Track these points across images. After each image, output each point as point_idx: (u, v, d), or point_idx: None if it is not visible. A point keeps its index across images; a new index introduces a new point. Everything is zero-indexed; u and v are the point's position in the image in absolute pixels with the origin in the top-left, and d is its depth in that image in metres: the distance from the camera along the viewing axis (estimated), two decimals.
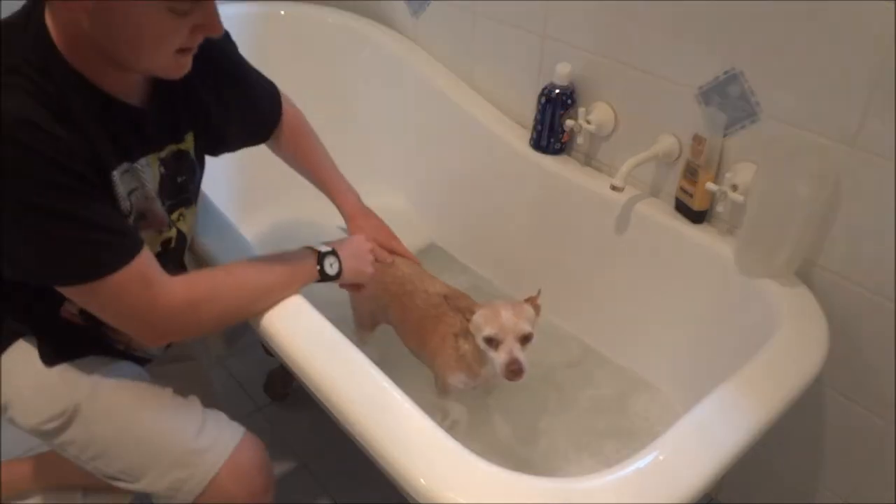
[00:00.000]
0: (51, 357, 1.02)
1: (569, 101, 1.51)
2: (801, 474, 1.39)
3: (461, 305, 1.19)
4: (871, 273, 1.16)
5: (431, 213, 1.90)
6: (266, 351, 1.21)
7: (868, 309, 1.17)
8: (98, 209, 0.87)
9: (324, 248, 1.13)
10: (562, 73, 1.47)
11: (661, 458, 0.88)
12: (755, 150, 1.25)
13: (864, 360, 1.21)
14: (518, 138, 1.62)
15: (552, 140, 1.56)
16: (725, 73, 1.24)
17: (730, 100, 1.25)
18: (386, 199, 1.79)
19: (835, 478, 1.34)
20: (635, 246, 1.44)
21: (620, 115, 1.46)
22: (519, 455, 1.34)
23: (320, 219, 1.48)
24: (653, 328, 1.46)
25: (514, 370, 1.08)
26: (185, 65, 0.91)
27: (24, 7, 0.88)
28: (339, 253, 1.14)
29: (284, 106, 1.30)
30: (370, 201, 1.40)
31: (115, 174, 0.91)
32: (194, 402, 1.09)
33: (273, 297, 1.05)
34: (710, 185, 1.28)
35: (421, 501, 0.83)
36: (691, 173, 1.32)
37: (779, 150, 1.16)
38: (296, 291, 1.08)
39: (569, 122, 1.49)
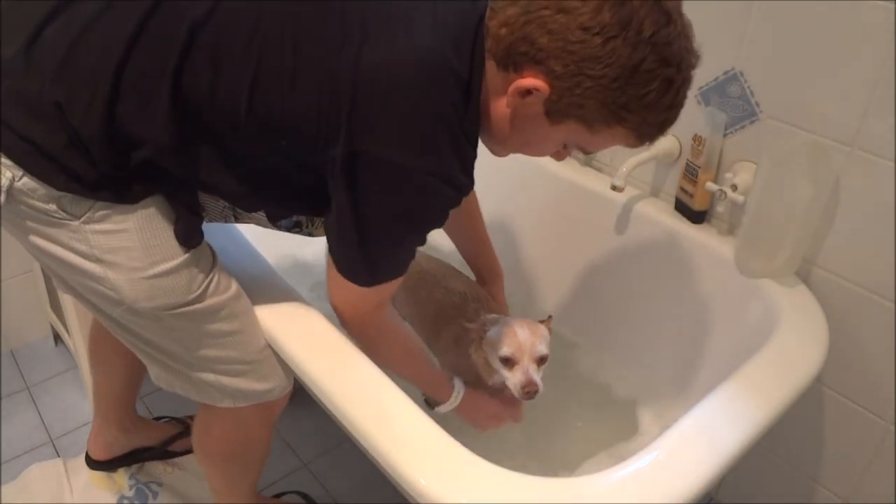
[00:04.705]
0: (189, 238, 0.98)
1: None
2: (801, 474, 1.38)
3: (480, 318, 1.20)
4: (871, 273, 1.16)
5: None
6: None
7: (868, 309, 1.17)
8: None
9: (457, 396, 1.17)
10: None
11: (661, 458, 0.88)
12: (755, 150, 1.25)
13: (864, 360, 1.21)
14: None
15: None
16: (725, 73, 1.24)
17: (730, 100, 1.25)
18: None
19: (835, 478, 1.34)
20: (635, 246, 1.44)
21: None
22: (516, 456, 1.34)
23: None
24: (652, 328, 1.46)
25: (529, 392, 1.08)
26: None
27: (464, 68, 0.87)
28: (462, 406, 1.18)
29: None
30: None
31: None
32: None
33: (406, 379, 1.14)
34: (710, 185, 1.28)
35: (421, 501, 0.83)
36: (691, 173, 1.32)
37: (779, 150, 1.16)
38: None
39: None
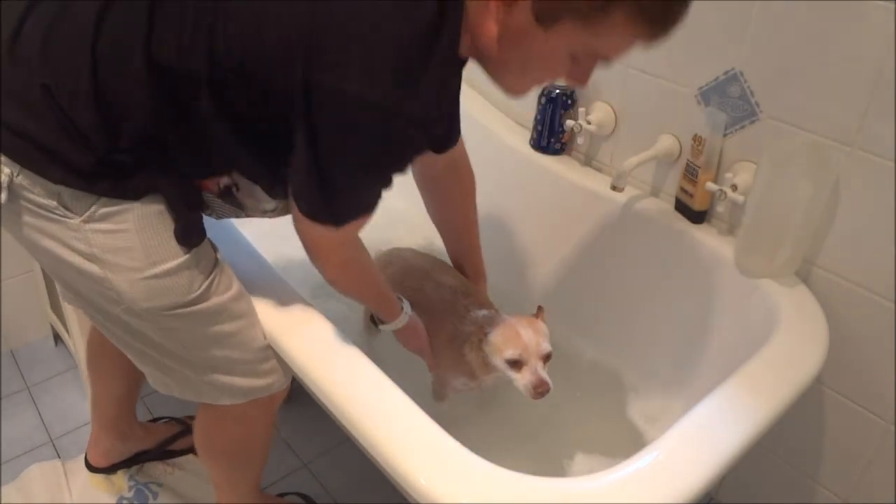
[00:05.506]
0: (188, 238, 0.98)
1: (569, 101, 1.50)
2: (801, 474, 1.39)
3: (475, 321, 1.19)
4: (871, 273, 1.16)
5: None
6: None
7: (868, 309, 1.17)
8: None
9: (404, 317, 1.19)
10: None
11: (661, 458, 0.88)
12: (755, 150, 1.25)
13: (864, 360, 1.21)
14: (518, 138, 1.62)
15: (552, 140, 1.56)
16: (725, 73, 1.24)
17: (730, 100, 1.25)
18: (385, 198, 1.77)
19: (835, 478, 1.34)
20: (635, 246, 1.44)
21: (620, 115, 1.46)
22: (516, 456, 1.34)
23: None
24: (652, 328, 1.46)
25: (541, 392, 1.08)
26: (529, 92, 0.98)
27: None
28: (405, 328, 1.21)
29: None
30: None
31: None
32: None
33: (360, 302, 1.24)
34: (710, 185, 1.28)
35: (421, 501, 0.83)
36: (691, 173, 1.32)
37: (779, 150, 1.16)
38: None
39: (569, 122, 1.49)
